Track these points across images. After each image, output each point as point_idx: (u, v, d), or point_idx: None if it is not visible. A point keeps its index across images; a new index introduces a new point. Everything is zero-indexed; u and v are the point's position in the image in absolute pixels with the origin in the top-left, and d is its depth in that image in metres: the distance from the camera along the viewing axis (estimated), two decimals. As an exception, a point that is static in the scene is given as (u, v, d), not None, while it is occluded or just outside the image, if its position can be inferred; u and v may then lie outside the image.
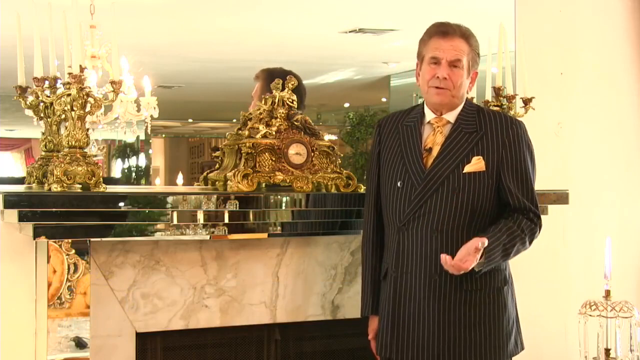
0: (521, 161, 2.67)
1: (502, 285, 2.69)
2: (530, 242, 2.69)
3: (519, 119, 2.84)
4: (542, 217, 3.27)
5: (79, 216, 2.67)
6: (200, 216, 2.88)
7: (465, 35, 2.68)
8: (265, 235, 3.07)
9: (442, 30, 2.68)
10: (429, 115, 2.74)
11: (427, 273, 2.63)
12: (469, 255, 2.49)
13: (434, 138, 2.71)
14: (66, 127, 2.70)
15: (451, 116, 2.71)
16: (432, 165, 2.66)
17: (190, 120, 3.69)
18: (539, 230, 2.71)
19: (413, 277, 2.66)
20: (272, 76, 3.18)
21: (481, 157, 2.64)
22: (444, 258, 2.50)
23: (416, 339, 2.65)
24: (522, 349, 2.80)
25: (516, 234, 2.62)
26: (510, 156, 2.66)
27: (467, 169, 2.64)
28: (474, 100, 3.26)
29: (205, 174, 3.18)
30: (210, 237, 2.97)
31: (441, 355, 2.62)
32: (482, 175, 2.64)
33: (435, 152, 2.68)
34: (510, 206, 2.66)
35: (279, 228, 3.04)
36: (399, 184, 2.70)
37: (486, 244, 2.50)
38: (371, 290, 2.85)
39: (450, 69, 2.65)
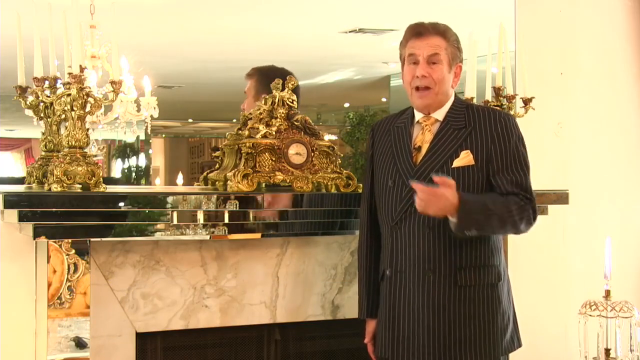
0: (511, 153, 2.65)
1: (496, 280, 2.68)
2: (521, 220, 2.61)
3: (494, 109, 2.82)
4: (542, 217, 3.27)
5: (79, 216, 2.67)
6: (200, 216, 2.88)
7: (440, 31, 2.68)
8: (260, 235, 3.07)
9: (416, 31, 2.69)
10: (418, 115, 2.75)
11: (420, 270, 2.63)
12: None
13: (422, 137, 2.71)
14: (66, 127, 2.70)
15: (439, 114, 2.71)
16: (421, 162, 2.66)
17: (190, 120, 3.70)
18: (532, 214, 2.64)
19: (407, 275, 2.66)
20: (267, 74, 3.20)
21: (469, 151, 2.63)
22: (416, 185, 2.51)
23: (412, 337, 2.65)
24: (520, 345, 2.79)
25: (500, 199, 2.58)
26: (499, 149, 2.64)
27: (456, 163, 2.63)
28: (474, 100, 3.26)
29: (205, 174, 3.18)
30: (210, 237, 2.97)
31: (435, 351, 2.62)
32: (472, 169, 2.63)
33: (424, 150, 2.68)
34: (501, 194, 2.64)
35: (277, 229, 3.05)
36: (390, 183, 2.70)
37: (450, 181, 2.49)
38: (366, 293, 2.86)
39: (429, 66, 2.65)
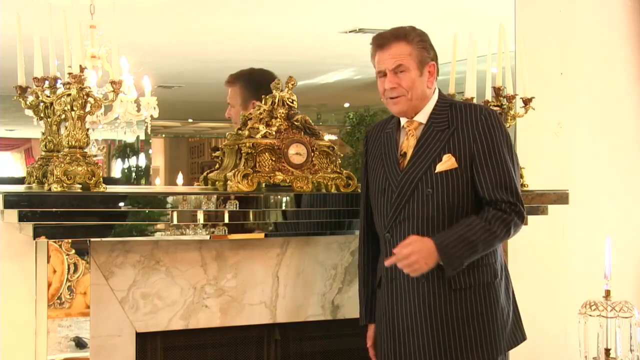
0: (493, 152, 2.60)
1: (492, 279, 2.66)
2: (507, 232, 2.59)
3: (493, 108, 2.78)
4: (542, 217, 3.26)
5: (79, 216, 2.67)
6: (200, 216, 2.88)
7: (400, 36, 2.64)
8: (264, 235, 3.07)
9: (378, 44, 2.66)
10: (403, 120, 2.73)
11: (414, 277, 2.61)
12: (406, 256, 2.52)
13: (407, 142, 2.70)
14: (66, 127, 2.70)
15: (422, 117, 2.69)
16: (405, 168, 2.65)
17: (190, 120, 3.70)
18: (519, 219, 2.62)
19: (402, 282, 2.65)
20: (250, 78, 3.21)
21: (451, 155, 2.60)
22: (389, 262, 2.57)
23: (411, 343, 2.64)
24: (524, 338, 2.78)
25: (479, 226, 2.55)
26: (482, 148, 2.60)
27: (439, 168, 2.60)
28: (474, 100, 3.26)
29: (205, 174, 3.18)
30: (210, 237, 2.97)
31: (436, 356, 2.61)
32: (455, 172, 2.60)
33: (409, 156, 2.67)
34: (484, 200, 2.61)
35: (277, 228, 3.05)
36: (380, 190, 2.70)
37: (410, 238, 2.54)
38: (365, 299, 2.86)
39: (396, 76, 2.63)
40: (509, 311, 2.73)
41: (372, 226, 2.81)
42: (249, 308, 3.12)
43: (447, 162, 2.60)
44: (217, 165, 3.14)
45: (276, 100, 3.05)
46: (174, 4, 3.42)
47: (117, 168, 3.49)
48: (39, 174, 2.90)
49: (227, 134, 3.14)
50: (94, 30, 3.10)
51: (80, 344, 2.87)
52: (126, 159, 3.46)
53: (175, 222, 2.84)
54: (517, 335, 2.76)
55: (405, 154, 2.69)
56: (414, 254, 2.52)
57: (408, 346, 2.65)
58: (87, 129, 2.71)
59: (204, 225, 2.90)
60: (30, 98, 2.90)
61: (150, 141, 3.43)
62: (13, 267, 2.88)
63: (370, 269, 2.84)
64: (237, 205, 2.88)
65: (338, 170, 3.09)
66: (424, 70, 2.66)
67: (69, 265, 2.89)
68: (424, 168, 2.62)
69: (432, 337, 2.61)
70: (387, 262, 2.59)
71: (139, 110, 3.21)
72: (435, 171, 2.60)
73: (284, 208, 2.98)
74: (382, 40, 2.65)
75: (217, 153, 3.15)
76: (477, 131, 2.61)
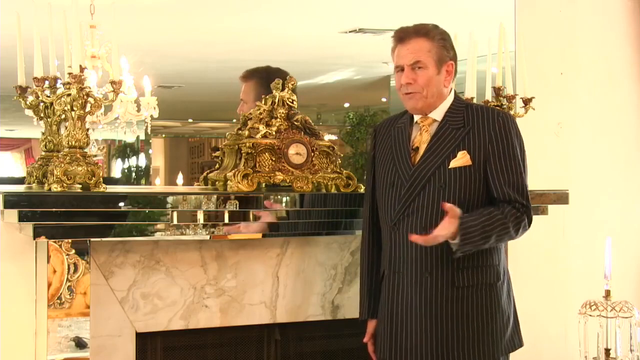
0: (508, 153, 2.63)
1: (494, 280, 2.67)
2: (517, 232, 2.63)
3: (506, 111, 2.79)
4: (542, 217, 3.27)
5: (79, 216, 2.67)
6: (200, 216, 2.88)
7: (422, 32, 2.65)
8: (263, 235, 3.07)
9: (399, 37, 2.67)
10: (417, 116, 2.74)
11: (417, 271, 2.63)
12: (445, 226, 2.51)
13: (420, 137, 2.71)
14: (66, 127, 2.70)
15: (438, 114, 2.70)
16: (418, 162, 2.66)
17: (190, 120, 3.69)
18: (528, 222, 2.66)
19: (405, 276, 2.66)
20: (267, 76, 3.20)
21: (466, 152, 2.62)
22: (416, 238, 2.54)
23: (410, 338, 2.65)
24: (521, 345, 2.79)
25: (497, 217, 2.57)
26: (496, 149, 2.63)
27: (453, 164, 2.62)
28: (474, 100, 3.26)
29: (205, 174, 3.18)
30: (210, 237, 2.97)
31: (433, 352, 2.61)
32: (469, 169, 2.62)
33: (421, 151, 2.68)
34: (498, 199, 2.64)
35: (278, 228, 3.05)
36: (389, 184, 2.70)
37: (457, 211, 2.51)
38: (367, 293, 2.86)
39: (414, 72, 2.64)
40: (509, 314, 2.73)
41: (377, 221, 2.82)
42: (249, 308, 3.12)
43: (461, 159, 2.62)
44: (217, 165, 3.15)
45: (276, 100, 3.05)
46: (174, 4, 3.42)
47: (117, 168, 3.49)
48: (39, 174, 2.90)
49: (227, 134, 3.14)
50: (94, 30, 3.10)
51: (80, 344, 2.87)
52: (126, 159, 3.45)
53: (175, 222, 2.84)
54: (515, 341, 2.76)
55: (417, 148, 2.70)
56: (440, 237, 2.52)
57: (407, 341, 2.65)
58: (87, 129, 2.71)
59: (204, 225, 2.90)
60: (30, 98, 2.90)
61: (150, 141, 3.43)
62: (13, 267, 2.88)
63: (373, 263, 2.84)
64: (237, 205, 2.88)
65: (338, 170, 3.10)
66: (442, 68, 2.67)
67: (69, 265, 2.89)
68: (438, 163, 2.63)
69: (431, 333, 2.62)
70: (412, 238, 2.55)
71: (139, 110, 3.21)
72: (449, 167, 2.62)
73: (284, 208, 2.98)
74: (403, 34, 2.66)
75: (217, 153, 3.15)
76: (494, 132, 2.64)
